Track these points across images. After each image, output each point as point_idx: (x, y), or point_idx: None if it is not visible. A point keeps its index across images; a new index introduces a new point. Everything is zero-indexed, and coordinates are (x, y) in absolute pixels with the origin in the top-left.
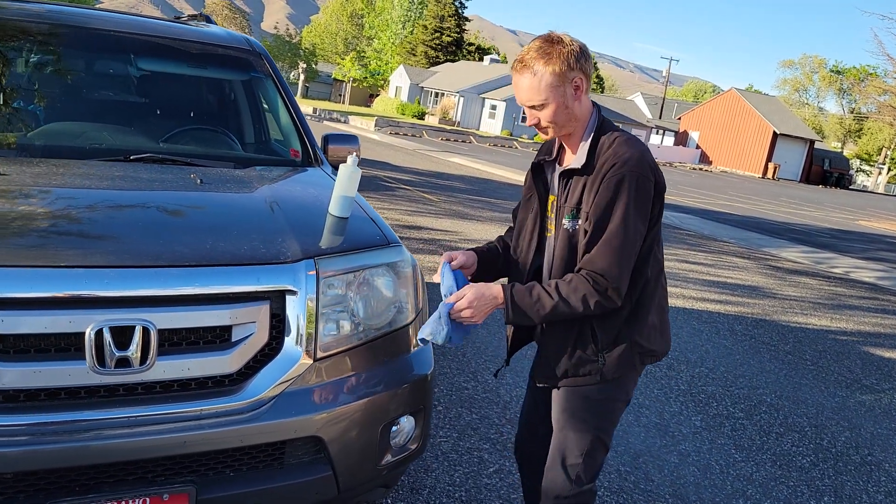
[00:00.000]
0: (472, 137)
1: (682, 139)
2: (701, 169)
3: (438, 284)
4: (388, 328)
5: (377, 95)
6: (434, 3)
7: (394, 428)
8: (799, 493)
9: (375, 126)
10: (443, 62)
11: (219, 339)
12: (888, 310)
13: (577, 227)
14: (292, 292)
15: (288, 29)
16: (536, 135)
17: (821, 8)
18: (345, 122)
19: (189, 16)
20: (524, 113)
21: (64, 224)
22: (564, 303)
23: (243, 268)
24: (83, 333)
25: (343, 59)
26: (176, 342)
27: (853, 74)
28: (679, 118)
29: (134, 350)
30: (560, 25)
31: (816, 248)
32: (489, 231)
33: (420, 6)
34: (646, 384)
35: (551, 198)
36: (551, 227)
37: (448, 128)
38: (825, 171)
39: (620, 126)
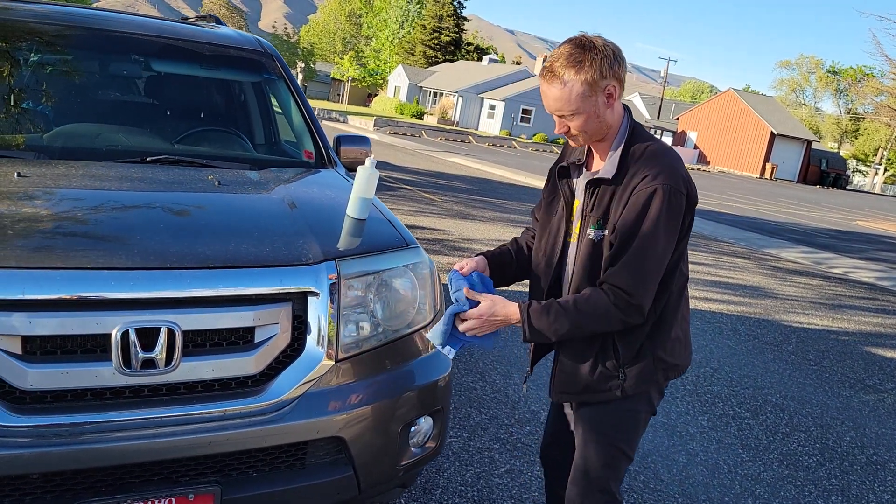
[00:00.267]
0: (471, 137)
1: (680, 139)
2: (699, 169)
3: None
4: (406, 329)
5: (376, 95)
6: (433, 2)
7: (413, 428)
8: (807, 492)
9: (374, 126)
10: (441, 62)
11: (242, 340)
12: (888, 310)
13: (603, 237)
14: (314, 294)
15: (286, 28)
16: (535, 135)
17: (818, 9)
18: (343, 121)
19: (198, 17)
20: (554, 114)
21: (88, 226)
22: (584, 321)
23: (266, 269)
24: (110, 335)
25: (341, 58)
26: (200, 343)
27: (850, 75)
28: (677, 118)
29: (159, 351)
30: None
31: (816, 249)
32: (492, 231)
33: (418, 6)
34: None
35: (576, 202)
36: (575, 231)
37: (447, 128)
38: (822, 171)
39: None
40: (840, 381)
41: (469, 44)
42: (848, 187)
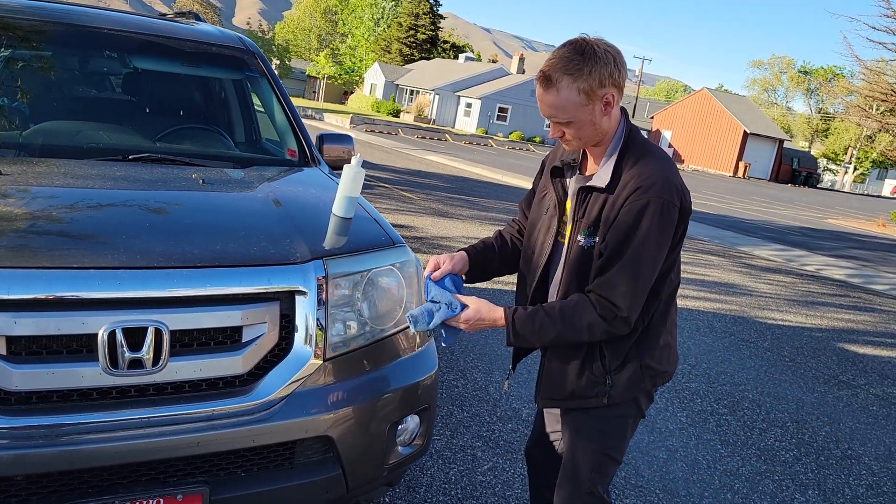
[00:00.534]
0: (447, 135)
1: (654, 138)
2: None
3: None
4: (393, 328)
5: (352, 93)
6: (408, 0)
7: (399, 427)
8: (784, 486)
9: (351, 123)
10: (418, 60)
11: (230, 339)
12: (860, 307)
13: (593, 244)
14: (302, 293)
15: (260, 25)
16: (511, 133)
17: (790, 9)
18: (319, 119)
19: (177, 13)
20: (549, 119)
21: (73, 225)
22: (568, 330)
23: (253, 268)
24: (96, 335)
25: (317, 55)
26: (187, 343)
27: (820, 75)
28: (652, 117)
29: (146, 351)
30: (534, 24)
31: (788, 247)
32: (470, 229)
33: (393, 3)
34: None
35: (569, 202)
36: (566, 233)
37: (424, 125)
38: (794, 170)
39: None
40: (815, 376)
41: (445, 42)
42: (819, 186)
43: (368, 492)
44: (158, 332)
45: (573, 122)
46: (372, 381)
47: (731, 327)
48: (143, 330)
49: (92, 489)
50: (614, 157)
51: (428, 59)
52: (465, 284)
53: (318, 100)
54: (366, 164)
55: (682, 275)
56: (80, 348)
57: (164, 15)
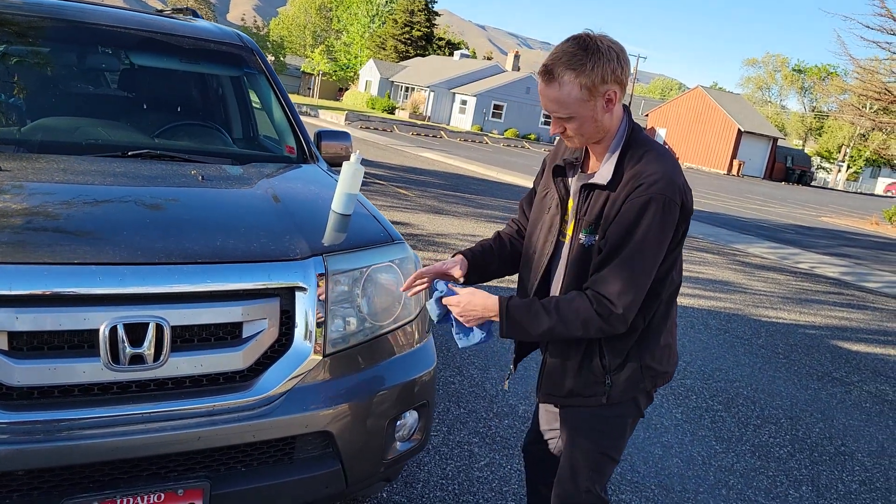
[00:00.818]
0: (442, 132)
1: (649, 136)
2: None
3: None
4: (392, 324)
5: (347, 89)
6: None
7: (398, 422)
8: (778, 482)
9: (346, 120)
10: (413, 56)
11: (230, 335)
12: (853, 304)
13: (594, 242)
14: (302, 289)
15: (255, 21)
16: (507, 130)
17: (784, 7)
18: (314, 115)
19: (174, 9)
20: (550, 114)
21: (74, 221)
22: (563, 324)
23: (254, 265)
24: (97, 330)
25: (312, 52)
26: (188, 339)
27: (814, 73)
28: (646, 115)
29: (147, 347)
30: (529, 22)
31: (782, 244)
32: (465, 226)
33: (389, 1)
34: None
35: (571, 201)
36: (568, 232)
37: (418, 122)
38: (788, 168)
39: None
40: (808, 373)
41: (440, 39)
42: (812, 184)
43: (367, 487)
44: (159, 328)
45: (574, 118)
46: (371, 376)
47: (725, 324)
48: (145, 326)
49: (93, 484)
50: (616, 155)
51: (423, 55)
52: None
53: (312, 96)
54: (362, 162)
55: None
56: (81, 344)
57: (162, 11)
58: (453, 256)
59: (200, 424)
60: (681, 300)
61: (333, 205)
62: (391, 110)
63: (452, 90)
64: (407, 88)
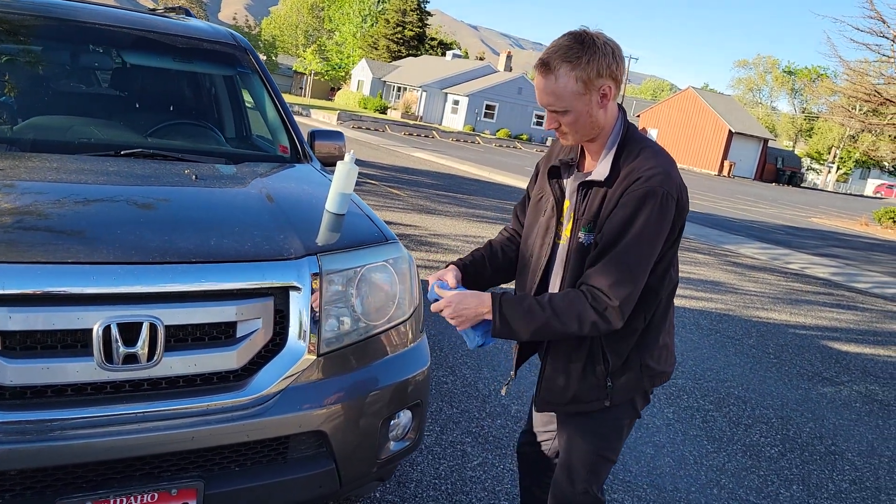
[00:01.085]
0: (434, 132)
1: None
2: None
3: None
4: (386, 324)
5: (339, 89)
6: None
7: (392, 422)
8: (769, 482)
9: (338, 120)
10: (405, 56)
11: (224, 335)
12: (843, 305)
13: (593, 240)
14: (296, 289)
15: (247, 20)
16: (499, 130)
17: (775, 9)
18: (306, 115)
19: (167, 8)
20: (545, 108)
21: (68, 220)
22: (557, 319)
23: (248, 264)
24: (91, 330)
25: (304, 51)
26: (182, 338)
27: (805, 75)
28: (638, 116)
29: (141, 346)
30: (521, 22)
31: (773, 245)
32: (457, 226)
33: (381, 1)
34: None
35: (567, 203)
36: (565, 233)
37: (411, 122)
38: (778, 169)
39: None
40: (799, 373)
41: (433, 39)
42: (802, 185)
43: (360, 486)
44: (153, 328)
45: (569, 112)
46: (365, 376)
47: (716, 325)
48: (138, 325)
49: (86, 484)
50: (613, 152)
51: (415, 55)
52: None
53: (304, 96)
54: (355, 161)
55: None
56: (74, 343)
57: (155, 10)
58: (446, 267)
59: (194, 424)
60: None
61: (327, 204)
62: (383, 110)
63: (444, 90)
64: (399, 88)
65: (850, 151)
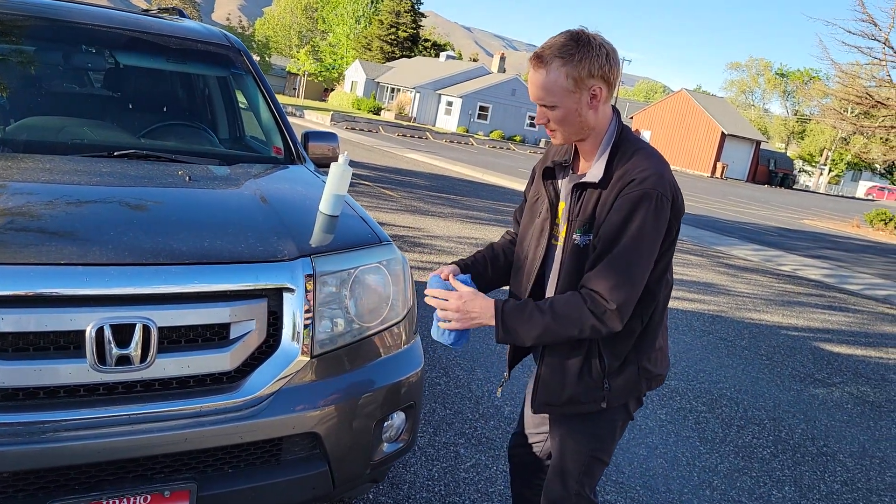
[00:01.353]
0: (428, 134)
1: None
2: None
3: (425, 283)
4: (380, 326)
5: (332, 90)
6: None
7: (385, 423)
8: (761, 483)
9: (331, 121)
10: (399, 58)
11: (217, 336)
12: (834, 306)
13: (589, 242)
14: (290, 290)
15: (240, 21)
16: (492, 132)
17: (768, 12)
18: (300, 116)
19: (160, 9)
20: (536, 103)
21: (60, 221)
22: (557, 323)
23: (242, 265)
24: (84, 331)
25: (297, 52)
26: (175, 340)
27: (797, 77)
28: (631, 117)
29: (134, 348)
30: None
31: (765, 247)
32: (451, 227)
33: (374, 1)
34: None
35: (562, 204)
36: (561, 235)
37: (404, 123)
38: (770, 171)
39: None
40: (791, 375)
41: (426, 40)
42: (795, 187)
43: (354, 488)
44: (146, 329)
45: (558, 108)
46: (358, 378)
47: (709, 326)
48: (131, 326)
49: (79, 486)
50: (607, 153)
51: (409, 57)
52: None
53: (298, 97)
54: (349, 163)
55: None
56: (67, 345)
57: (148, 10)
58: (448, 265)
59: (187, 426)
60: None
61: (321, 206)
62: (377, 111)
63: (438, 91)
64: (393, 89)
65: (841, 154)
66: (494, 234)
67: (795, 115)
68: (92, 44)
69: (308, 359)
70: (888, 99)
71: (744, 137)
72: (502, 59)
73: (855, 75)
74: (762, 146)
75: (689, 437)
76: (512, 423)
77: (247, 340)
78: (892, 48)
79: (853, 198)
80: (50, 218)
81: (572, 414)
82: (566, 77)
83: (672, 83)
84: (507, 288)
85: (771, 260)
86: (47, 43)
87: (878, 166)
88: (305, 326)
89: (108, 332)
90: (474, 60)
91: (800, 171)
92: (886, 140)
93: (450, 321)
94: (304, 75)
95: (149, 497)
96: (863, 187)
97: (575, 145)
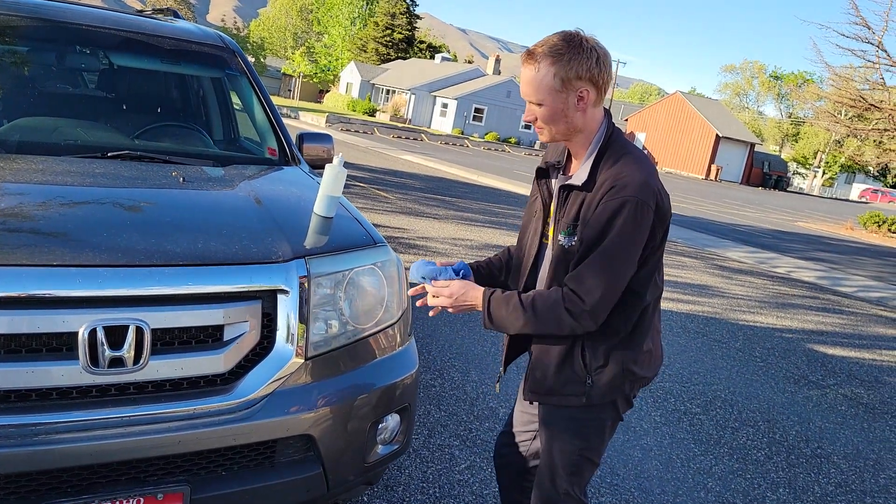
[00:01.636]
0: (423, 135)
1: (629, 140)
2: None
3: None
4: (374, 327)
5: (327, 91)
6: (385, 0)
7: (380, 426)
8: (756, 485)
9: (326, 122)
10: (394, 59)
11: (211, 338)
12: (828, 308)
13: (573, 243)
14: (284, 292)
15: (235, 22)
16: (487, 134)
17: (762, 15)
18: (295, 117)
19: (155, 9)
20: (525, 99)
21: (53, 222)
22: (536, 319)
23: (236, 267)
24: (76, 333)
25: (292, 54)
26: (168, 341)
27: (791, 80)
28: (626, 119)
29: (127, 349)
30: (510, 26)
31: (759, 249)
32: (446, 228)
33: (370, 3)
34: None
35: (553, 204)
36: (550, 234)
37: (399, 125)
38: (765, 173)
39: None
40: (785, 377)
41: (422, 42)
42: (788, 189)
43: (348, 490)
44: (139, 331)
45: (544, 106)
46: (353, 380)
47: (703, 328)
48: (124, 328)
49: (71, 488)
50: (593, 157)
51: (404, 58)
52: None
53: (293, 98)
54: (343, 164)
55: None
56: (59, 347)
57: (142, 11)
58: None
59: (181, 428)
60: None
61: (316, 207)
62: (372, 113)
63: (433, 93)
64: (388, 91)
65: (835, 156)
66: (489, 235)
67: (789, 117)
68: (86, 44)
69: (302, 361)
70: (881, 102)
71: (738, 140)
72: (497, 61)
73: (849, 78)
74: (756, 149)
75: (683, 439)
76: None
77: (241, 342)
78: (886, 51)
79: (847, 200)
80: (43, 219)
81: (558, 408)
82: (553, 76)
83: (667, 86)
84: None
85: (765, 262)
86: (41, 43)
87: (871, 169)
88: (300, 328)
89: (100, 334)
90: (469, 62)
91: (794, 174)
92: (880, 143)
93: (448, 309)
94: (299, 77)
95: (142, 500)
96: (856, 190)
97: (568, 148)
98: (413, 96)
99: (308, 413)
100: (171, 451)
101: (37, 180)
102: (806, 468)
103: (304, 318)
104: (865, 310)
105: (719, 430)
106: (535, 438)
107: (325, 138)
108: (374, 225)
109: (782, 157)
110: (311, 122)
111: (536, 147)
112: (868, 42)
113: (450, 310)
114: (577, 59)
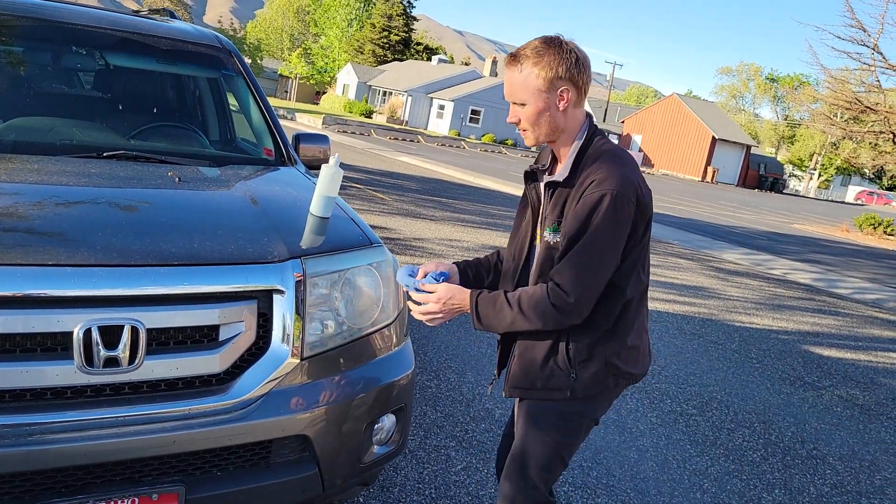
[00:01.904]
0: (420, 137)
1: (625, 142)
2: (644, 172)
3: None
4: (370, 328)
5: (324, 93)
6: (382, 1)
7: (376, 426)
8: (752, 486)
9: (323, 124)
10: (391, 61)
11: (206, 338)
12: (824, 310)
13: (558, 239)
14: (280, 292)
15: (232, 23)
16: (484, 135)
17: (758, 17)
18: (291, 118)
19: (151, 10)
20: (509, 101)
21: (48, 222)
22: (522, 315)
23: (231, 267)
24: (71, 333)
25: (289, 55)
26: (164, 341)
27: (787, 82)
28: (622, 121)
29: (122, 349)
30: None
31: (755, 251)
32: (442, 230)
33: (367, 4)
34: None
35: (541, 205)
36: (539, 235)
37: (396, 127)
38: (761, 175)
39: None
40: (781, 378)
41: (418, 43)
42: (784, 191)
43: (344, 491)
44: (135, 331)
45: (528, 106)
46: (349, 380)
47: (699, 329)
48: (119, 328)
49: (66, 489)
50: (575, 154)
51: (401, 60)
52: None
53: (290, 99)
54: (340, 165)
55: (652, 277)
56: (54, 346)
57: (138, 12)
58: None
59: (176, 428)
60: (655, 305)
61: (312, 208)
62: (369, 114)
63: (430, 95)
64: (384, 93)
65: (831, 158)
66: (485, 237)
67: (785, 119)
68: (82, 44)
69: (298, 361)
70: (877, 104)
71: (734, 142)
72: (494, 62)
73: (844, 80)
74: (752, 151)
75: (679, 441)
76: (504, 426)
77: (236, 342)
78: (881, 54)
79: (842, 202)
80: (38, 218)
81: (541, 402)
82: (535, 77)
83: (663, 88)
84: None
85: (761, 264)
86: (37, 43)
87: (867, 171)
88: (295, 328)
89: (95, 334)
90: (466, 64)
91: (789, 176)
92: (875, 145)
93: (437, 316)
94: (295, 78)
95: (136, 500)
96: (852, 192)
97: (553, 150)
98: (410, 98)
99: (304, 413)
100: (166, 452)
101: (32, 180)
102: (802, 469)
103: (300, 319)
104: (861, 311)
105: (715, 432)
106: None
107: (321, 139)
108: (370, 226)
109: (778, 159)
110: (307, 123)
111: (533, 149)
112: (863, 45)
113: (439, 315)
114: (558, 59)
